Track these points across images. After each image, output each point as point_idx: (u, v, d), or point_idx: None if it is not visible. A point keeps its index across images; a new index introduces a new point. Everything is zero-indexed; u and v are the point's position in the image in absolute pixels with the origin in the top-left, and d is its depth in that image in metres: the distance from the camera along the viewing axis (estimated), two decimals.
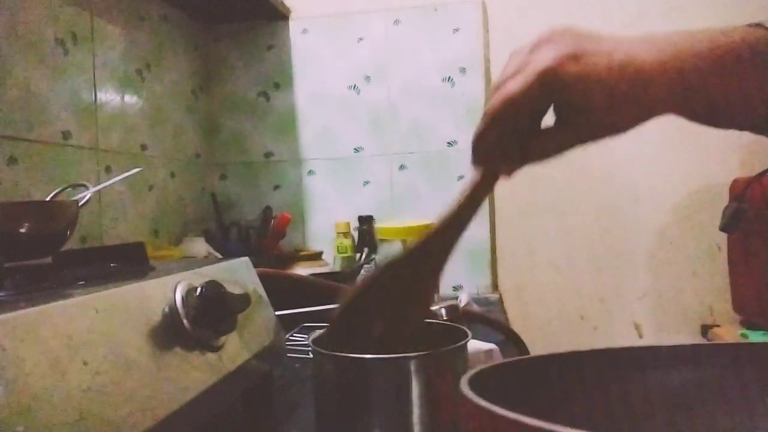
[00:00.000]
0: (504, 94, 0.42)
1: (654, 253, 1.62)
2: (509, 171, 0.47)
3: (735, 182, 1.45)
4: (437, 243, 0.50)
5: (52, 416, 0.32)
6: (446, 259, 0.51)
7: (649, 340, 1.62)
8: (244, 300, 0.52)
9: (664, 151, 1.59)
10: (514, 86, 0.42)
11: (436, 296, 1.13)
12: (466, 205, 0.48)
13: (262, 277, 0.66)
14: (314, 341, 0.53)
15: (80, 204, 0.70)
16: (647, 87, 0.42)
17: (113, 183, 0.82)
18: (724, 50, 0.45)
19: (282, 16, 1.61)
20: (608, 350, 0.39)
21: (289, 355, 0.84)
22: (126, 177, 0.82)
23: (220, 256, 1.37)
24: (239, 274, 0.61)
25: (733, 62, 0.45)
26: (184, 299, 0.47)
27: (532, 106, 0.43)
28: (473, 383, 0.30)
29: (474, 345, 0.76)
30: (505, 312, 1.58)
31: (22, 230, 0.61)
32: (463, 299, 1.09)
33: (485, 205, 1.71)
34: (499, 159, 0.46)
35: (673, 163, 1.59)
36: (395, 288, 0.51)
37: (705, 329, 1.56)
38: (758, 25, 0.48)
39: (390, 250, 1.11)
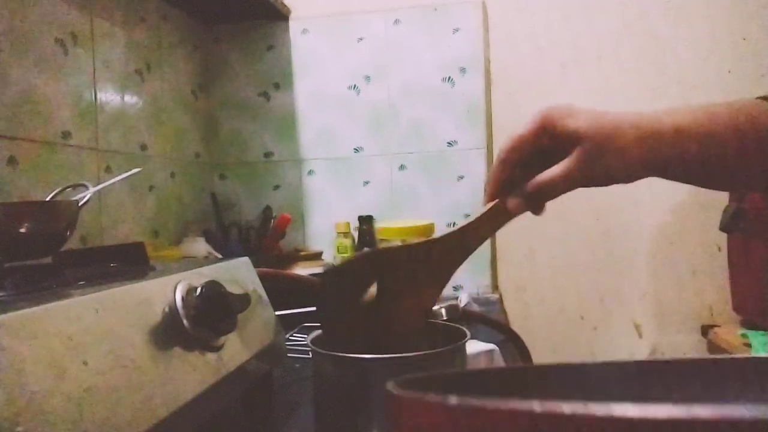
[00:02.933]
0: (510, 135, 0.52)
1: (654, 253, 1.62)
2: (516, 210, 0.53)
3: None
4: (439, 252, 0.52)
5: (52, 416, 0.32)
6: (452, 270, 0.53)
7: (645, 341, 1.62)
8: (244, 300, 0.52)
9: None
10: (518, 130, 0.52)
11: None
12: (471, 233, 0.53)
13: (262, 277, 0.66)
14: (313, 341, 0.53)
15: (80, 204, 0.70)
16: (633, 149, 0.49)
17: (113, 183, 0.82)
18: (726, 124, 0.50)
19: (282, 16, 1.61)
20: (539, 368, 0.38)
21: (289, 355, 0.84)
22: (126, 177, 0.82)
23: (220, 256, 1.37)
24: (239, 274, 0.62)
25: (734, 136, 0.50)
26: (184, 299, 0.47)
27: (531, 144, 0.51)
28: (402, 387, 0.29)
29: (474, 345, 0.77)
30: (505, 312, 1.58)
31: (22, 230, 0.61)
32: (463, 299, 1.09)
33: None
34: (508, 193, 0.52)
35: None
36: (392, 273, 0.52)
37: (705, 329, 1.56)
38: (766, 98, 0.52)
39: None
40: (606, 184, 0.50)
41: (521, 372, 0.39)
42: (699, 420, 0.19)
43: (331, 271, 0.53)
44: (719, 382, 0.37)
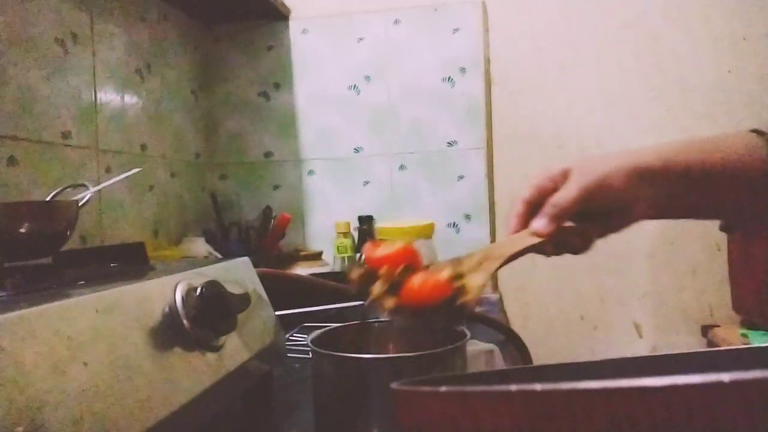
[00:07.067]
0: (555, 205, 0.55)
1: (654, 253, 1.62)
2: (545, 227, 0.56)
3: None
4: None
5: (52, 416, 0.32)
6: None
7: (645, 341, 1.62)
8: (244, 300, 0.52)
9: None
10: (564, 196, 0.54)
11: None
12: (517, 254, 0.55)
13: (262, 277, 0.66)
14: (313, 341, 0.53)
15: (80, 204, 0.70)
16: (632, 204, 0.54)
17: (113, 183, 0.82)
18: (715, 160, 0.53)
19: (282, 16, 1.61)
20: (537, 368, 0.39)
21: (289, 355, 0.84)
22: (126, 177, 0.82)
23: (220, 256, 1.37)
24: (239, 274, 0.61)
25: (723, 171, 0.53)
26: (184, 299, 0.47)
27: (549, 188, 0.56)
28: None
29: (474, 345, 0.76)
30: (505, 312, 1.58)
31: (22, 230, 0.61)
32: None
33: (485, 205, 1.70)
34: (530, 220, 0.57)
35: None
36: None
37: (705, 329, 1.56)
38: (759, 132, 0.54)
39: None
40: (601, 206, 0.54)
41: (518, 372, 0.39)
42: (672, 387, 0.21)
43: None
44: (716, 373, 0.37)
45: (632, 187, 0.52)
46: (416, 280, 0.49)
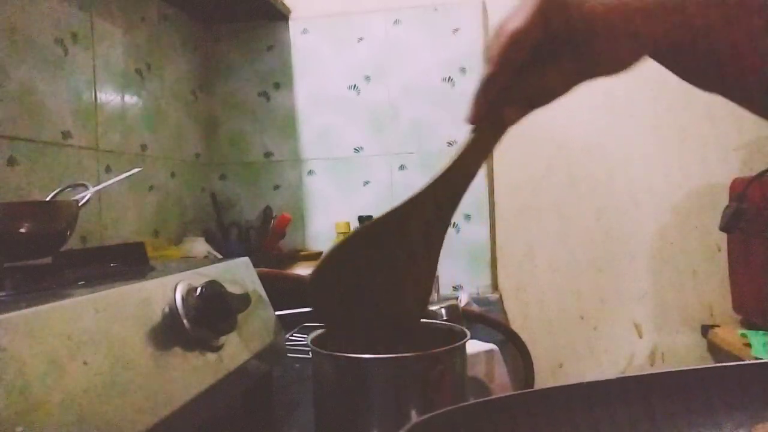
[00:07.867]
0: (507, 33, 0.41)
1: (654, 253, 1.62)
2: (516, 118, 0.45)
3: (735, 182, 1.45)
4: (435, 199, 0.48)
5: (52, 416, 0.32)
6: (445, 224, 0.49)
7: (645, 341, 1.62)
8: (244, 300, 0.52)
9: (664, 151, 1.59)
10: (515, 23, 0.41)
11: (435, 295, 1.13)
12: (471, 159, 0.47)
13: (262, 277, 0.66)
14: (313, 341, 0.53)
15: (80, 204, 0.70)
16: (646, 20, 0.41)
17: (113, 183, 0.82)
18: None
19: (282, 16, 1.61)
20: (543, 391, 0.39)
21: (289, 355, 0.84)
22: (126, 177, 0.82)
23: (220, 256, 1.37)
24: (239, 274, 0.62)
25: (738, 11, 0.41)
26: (184, 299, 0.47)
27: (535, 40, 0.41)
28: None
29: (474, 345, 0.76)
30: (505, 312, 1.58)
31: (22, 230, 0.61)
32: (463, 299, 1.09)
33: (485, 205, 1.70)
34: (508, 104, 0.44)
35: (673, 163, 1.59)
36: (383, 260, 0.48)
37: (705, 329, 1.56)
38: None
39: None
40: (605, 74, 0.44)
41: (524, 397, 0.38)
42: None
43: (326, 261, 0.48)
44: (719, 390, 0.37)
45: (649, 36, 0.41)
46: None
